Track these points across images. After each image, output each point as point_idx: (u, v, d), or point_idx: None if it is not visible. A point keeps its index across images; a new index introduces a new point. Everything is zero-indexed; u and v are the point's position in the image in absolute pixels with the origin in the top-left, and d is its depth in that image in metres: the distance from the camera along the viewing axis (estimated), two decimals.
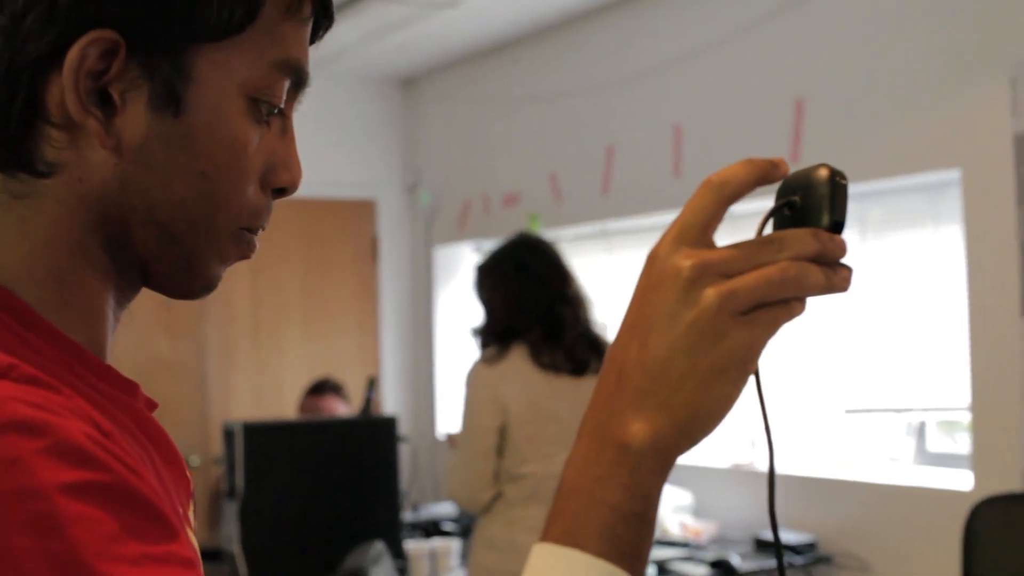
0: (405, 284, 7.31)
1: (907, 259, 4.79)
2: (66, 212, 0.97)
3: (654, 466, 0.90)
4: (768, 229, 0.93)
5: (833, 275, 0.90)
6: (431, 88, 7.22)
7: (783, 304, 0.89)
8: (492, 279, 3.95)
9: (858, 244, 4.93)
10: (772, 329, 0.90)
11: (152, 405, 1.08)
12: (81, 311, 0.99)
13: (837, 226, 0.91)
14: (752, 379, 0.92)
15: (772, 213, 0.94)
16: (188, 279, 1.03)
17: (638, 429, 0.90)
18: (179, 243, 0.99)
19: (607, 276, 6.01)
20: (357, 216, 7.20)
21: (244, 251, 1.04)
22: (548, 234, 5.83)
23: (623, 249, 6.03)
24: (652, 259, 0.92)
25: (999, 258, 4.20)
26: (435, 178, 7.18)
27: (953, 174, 4.44)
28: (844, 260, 0.91)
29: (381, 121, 7.29)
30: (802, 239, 0.89)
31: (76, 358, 0.96)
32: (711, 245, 0.91)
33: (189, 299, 1.06)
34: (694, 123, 5.38)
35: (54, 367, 0.92)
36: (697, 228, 0.90)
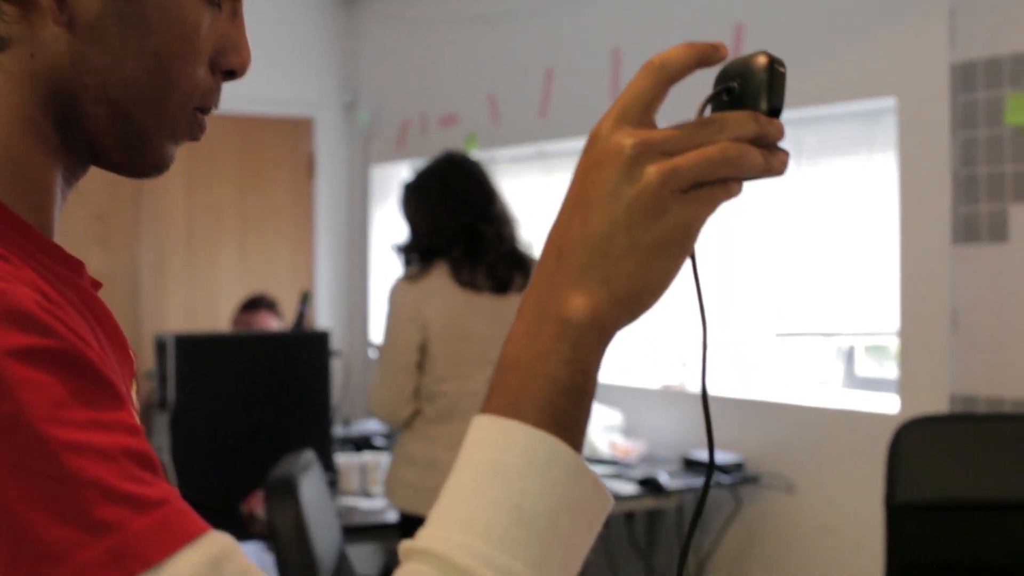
0: (341, 202, 7.29)
1: (841, 185, 4.83)
2: (16, 87, 0.96)
3: (594, 340, 0.91)
4: (708, 114, 0.94)
5: (771, 157, 0.92)
6: (372, 6, 7.16)
7: (722, 183, 0.91)
8: (416, 197, 3.97)
9: (792, 170, 4.97)
10: (711, 207, 0.91)
11: (97, 285, 1.08)
12: (29, 187, 0.99)
13: (775, 112, 0.93)
14: (689, 260, 0.94)
15: (712, 97, 0.95)
16: (140, 157, 1.03)
17: (579, 304, 0.91)
18: (131, 121, 0.99)
19: (544, 198, 6.01)
20: (294, 134, 7.15)
21: (195, 131, 1.04)
22: (485, 155, 5.86)
23: (561, 171, 6.03)
24: (594, 139, 0.93)
25: (932, 186, 4.24)
26: (374, 97, 7.14)
27: (888, 102, 4.47)
28: (781, 145, 0.93)
29: (320, 39, 7.23)
30: (742, 121, 0.91)
31: (23, 234, 0.96)
32: (652, 125, 0.92)
33: (140, 177, 1.06)
34: (633, 46, 5.37)
35: (1, 240, 0.92)
36: (638, 108, 0.91)
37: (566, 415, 0.90)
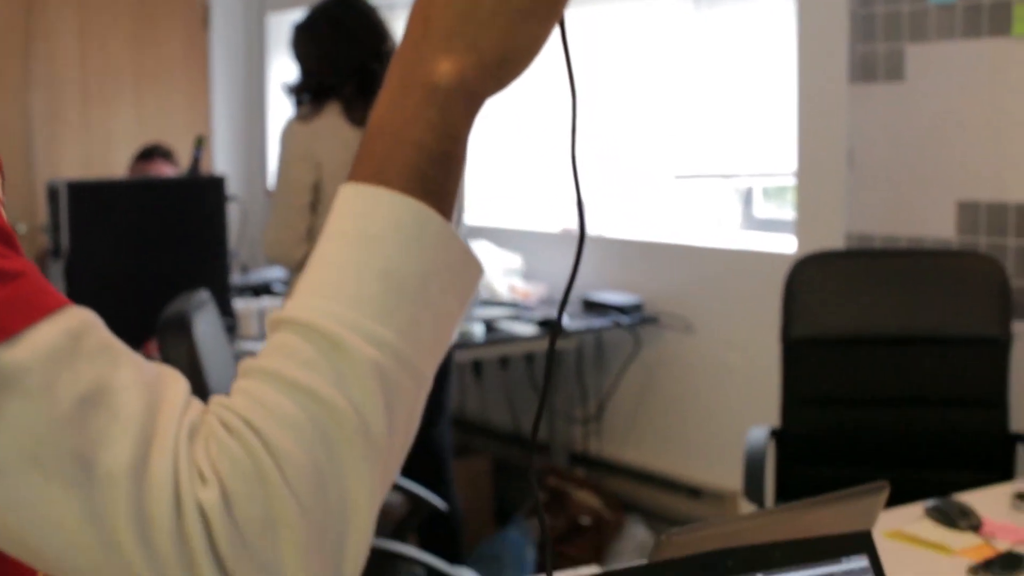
0: (237, 50, 7.16)
1: (739, 26, 4.81)
2: None
3: (462, 106, 0.89)
4: None
5: None
6: None
7: None
8: (307, 36, 3.92)
9: (692, 11, 4.93)
10: None
11: None
12: None
13: None
14: (558, 27, 0.92)
15: None
16: None
17: (446, 69, 0.89)
18: None
19: None
20: None
21: None
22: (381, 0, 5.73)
23: None
24: None
25: (829, 25, 4.23)
26: None
27: None
28: None
29: None
30: None
31: None
32: None
33: None
34: None
35: None
36: None
37: (434, 181, 0.88)
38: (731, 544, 1.51)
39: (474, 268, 0.91)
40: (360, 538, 0.83)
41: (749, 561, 1.50)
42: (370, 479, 0.83)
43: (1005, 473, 3.40)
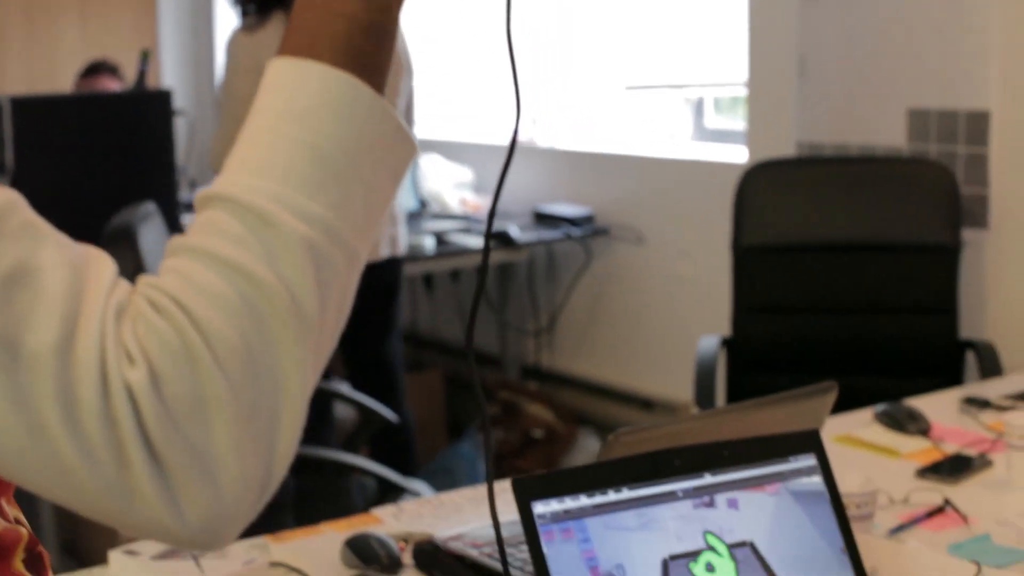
0: None
1: None
2: None
3: None
4: None
5: None
6: None
7: None
8: None
9: None
10: None
11: None
12: None
13: None
14: None
15: None
16: None
17: None
18: None
19: None
20: None
21: None
22: None
23: None
24: None
25: None
26: None
27: None
28: None
29: None
30: None
31: None
32: None
33: None
34: None
35: None
36: None
37: (365, 54, 0.85)
38: (679, 444, 1.50)
39: (407, 146, 0.88)
40: (293, 419, 0.81)
41: (697, 460, 1.49)
42: (302, 357, 0.81)
43: (954, 379, 3.42)
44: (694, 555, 1.43)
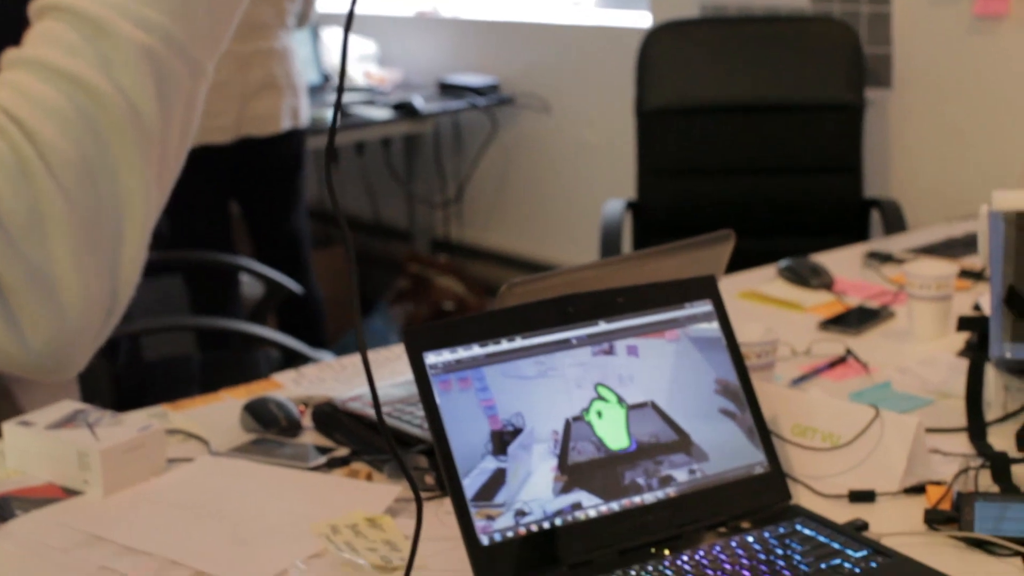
0: None
1: None
2: None
3: None
4: None
5: None
6: None
7: None
8: None
9: None
10: None
11: None
12: None
13: None
14: None
15: None
16: None
17: None
18: None
19: None
20: None
21: None
22: None
23: None
24: None
25: None
26: None
27: None
28: None
29: None
30: None
31: None
32: None
33: None
34: None
35: None
36: None
37: None
38: (574, 293, 1.48)
39: None
40: (137, 236, 0.77)
41: (591, 307, 1.47)
42: (143, 169, 0.76)
43: (860, 238, 3.43)
44: (587, 407, 1.42)
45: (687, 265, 1.72)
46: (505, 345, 1.40)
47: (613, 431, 1.42)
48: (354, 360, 2.13)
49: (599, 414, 1.42)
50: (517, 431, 1.36)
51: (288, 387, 2.00)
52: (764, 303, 2.40)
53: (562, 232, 4.77)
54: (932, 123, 3.66)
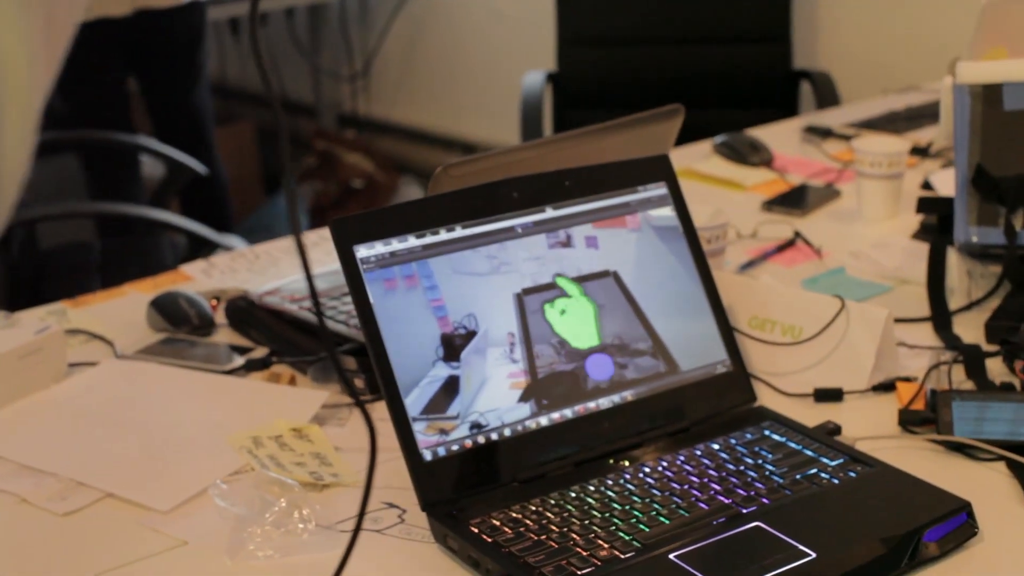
0: None
1: None
2: None
3: None
4: None
5: None
6: None
7: None
8: None
9: None
10: None
11: None
12: None
13: None
14: None
15: None
16: None
17: None
18: None
19: None
20: None
21: None
22: None
23: None
24: None
25: None
26: None
27: None
28: None
29: None
30: None
31: None
32: None
33: None
34: None
35: None
36: None
37: None
38: (515, 175, 1.33)
39: None
40: (20, 111, 0.61)
41: (537, 192, 1.32)
42: (26, 30, 0.60)
43: (790, 110, 3.32)
44: (549, 297, 1.28)
45: (634, 143, 1.58)
46: (444, 235, 1.26)
47: (578, 328, 1.29)
48: (267, 248, 1.97)
49: (562, 312, 1.28)
50: (471, 334, 1.23)
51: (198, 279, 1.84)
52: (703, 182, 2.27)
53: (478, 106, 4.60)
54: None
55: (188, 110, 3.69)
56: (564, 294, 1.29)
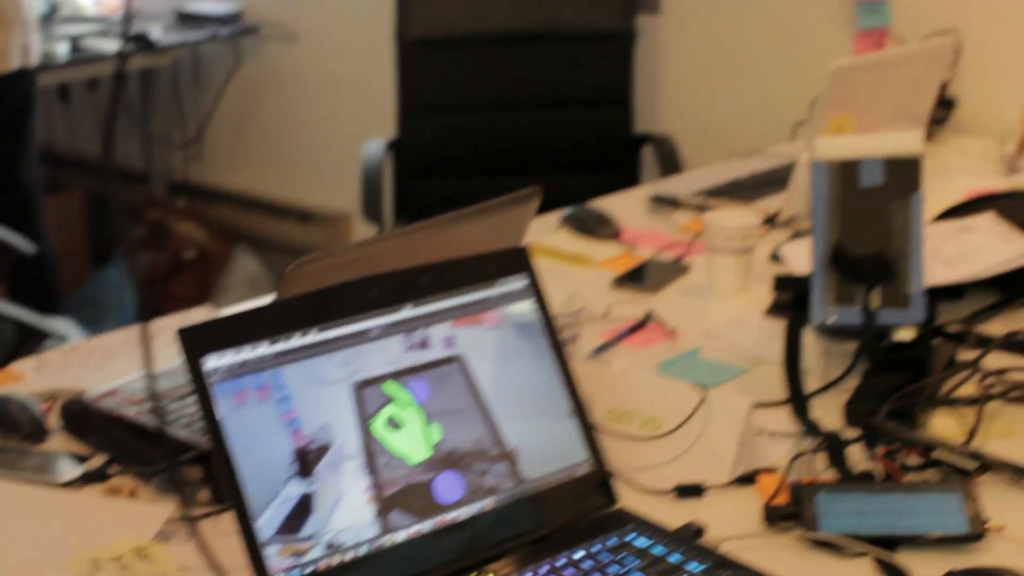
0: None
1: None
2: None
3: None
4: None
5: None
6: None
7: None
8: None
9: None
10: None
11: None
12: None
13: None
14: None
15: None
16: None
17: None
18: None
19: None
20: None
21: None
22: None
23: None
24: None
25: None
26: None
27: None
28: None
29: None
30: None
31: None
32: None
33: None
34: None
35: None
36: None
37: None
38: (371, 271, 1.27)
39: None
40: None
41: (396, 290, 1.26)
42: None
43: (631, 175, 3.31)
44: (382, 403, 1.22)
45: (492, 229, 1.54)
46: (298, 341, 1.19)
47: (411, 439, 1.22)
48: (104, 342, 1.88)
49: (391, 421, 1.22)
50: (324, 448, 1.16)
51: (30, 378, 1.73)
52: (552, 258, 2.23)
53: (313, 173, 4.53)
54: (704, 51, 3.56)
55: (16, 183, 3.58)
56: (394, 401, 1.23)
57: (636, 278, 2.10)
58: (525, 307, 1.35)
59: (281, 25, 4.49)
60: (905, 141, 1.66)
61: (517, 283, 1.36)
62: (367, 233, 3.46)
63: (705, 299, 2.02)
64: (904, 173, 1.64)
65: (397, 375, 1.24)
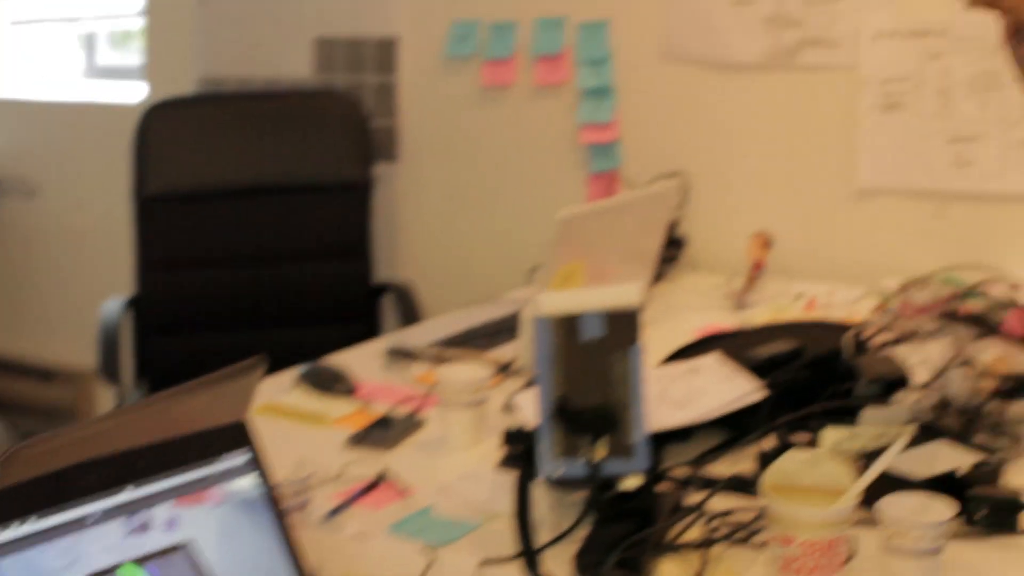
0: None
1: None
2: None
3: None
4: None
5: None
6: None
7: None
8: None
9: None
10: None
11: None
12: None
13: None
14: None
15: None
16: None
17: None
18: None
19: None
20: None
21: None
22: None
23: None
24: None
25: None
26: None
27: None
28: None
29: None
30: None
31: None
32: None
33: None
34: None
35: None
36: None
37: None
38: (95, 453, 1.26)
39: None
40: None
41: (114, 474, 1.25)
42: None
43: (372, 325, 3.34)
44: None
45: (215, 403, 1.54)
46: (16, 531, 1.17)
47: None
48: None
49: None
50: None
51: None
52: (286, 418, 2.23)
53: (52, 330, 4.43)
54: (441, 198, 3.62)
55: None
56: None
57: (371, 436, 2.11)
58: (247, 483, 1.36)
59: (19, 180, 4.41)
60: (623, 294, 1.71)
61: (238, 458, 1.37)
62: (110, 392, 3.40)
63: (439, 453, 2.04)
64: (623, 325, 1.70)
65: (122, 565, 1.22)
